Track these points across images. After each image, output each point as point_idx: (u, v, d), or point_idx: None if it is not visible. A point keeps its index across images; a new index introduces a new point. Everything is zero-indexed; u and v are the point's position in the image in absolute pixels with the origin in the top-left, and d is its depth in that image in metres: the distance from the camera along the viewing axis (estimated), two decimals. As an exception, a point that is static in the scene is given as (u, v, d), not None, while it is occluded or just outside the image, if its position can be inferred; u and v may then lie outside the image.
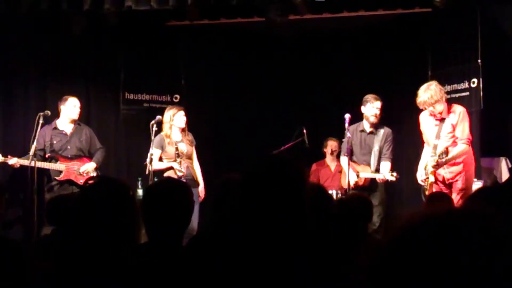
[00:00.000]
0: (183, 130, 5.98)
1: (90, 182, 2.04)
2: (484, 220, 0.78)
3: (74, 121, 6.04)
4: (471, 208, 0.82)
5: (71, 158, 5.93)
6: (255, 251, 1.83)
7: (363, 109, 5.89)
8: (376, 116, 5.83)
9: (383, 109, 5.94)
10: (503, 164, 6.03)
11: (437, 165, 5.19)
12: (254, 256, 1.82)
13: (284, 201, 1.84)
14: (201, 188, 5.99)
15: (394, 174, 5.63)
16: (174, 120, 5.89)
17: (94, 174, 5.88)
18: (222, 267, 1.84)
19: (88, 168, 5.96)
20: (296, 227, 1.86)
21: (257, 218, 1.85)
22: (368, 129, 5.91)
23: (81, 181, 5.70)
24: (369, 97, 5.85)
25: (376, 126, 5.89)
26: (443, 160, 5.12)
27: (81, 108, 6.11)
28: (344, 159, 5.97)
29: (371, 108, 5.82)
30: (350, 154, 5.67)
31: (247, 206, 1.88)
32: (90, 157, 6.07)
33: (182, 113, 5.93)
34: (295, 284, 1.82)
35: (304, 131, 6.32)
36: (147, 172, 5.59)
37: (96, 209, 1.93)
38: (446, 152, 5.09)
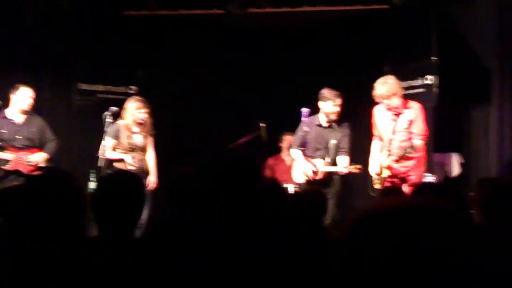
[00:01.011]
0: (140, 123, 5.90)
1: (36, 173, 1.97)
2: (438, 212, 0.78)
3: (24, 112, 5.84)
4: (424, 201, 0.81)
5: (21, 148, 5.72)
6: (210, 243, 1.81)
7: (322, 104, 5.76)
8: (337, 114, 5.75)
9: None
10: (454, 159, 6.17)
11: (398, 160, 5.25)
12: (208, 247, 1.80)
13: (239, 194, 1.83)
14: (152, 178, 5.92)
15: (358, 166, 5.54)
16: (136, 113, 5.83)
17: (44, 165, 5.71)
18: (179, 260, 1.81)
19: (38, 158, 5.75)
20: (251, 219, 1.85)
21: (213, 211, 1.83)
22: (324, 123, 5.84)
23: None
24: (329, 94, 5.72)
25: (333, 121, 5.84)
26: (409, 155, 5.18)
27: (34, 99, 5.91)
28: (294, 151, 5.95)
29: (332, 106, 5.70)
30: (304, 148, 5.72)
31: (202, 199, 1.86)
32: (41, 148, 5.87)
33: (144, 110, 5.89)
34: (255, 275, 1.80)
35: (262, 125, 6.30)
36: (100, 164, 5.49)
37: (40, 201, 1.87)
38: (412, 146, 5.14)
